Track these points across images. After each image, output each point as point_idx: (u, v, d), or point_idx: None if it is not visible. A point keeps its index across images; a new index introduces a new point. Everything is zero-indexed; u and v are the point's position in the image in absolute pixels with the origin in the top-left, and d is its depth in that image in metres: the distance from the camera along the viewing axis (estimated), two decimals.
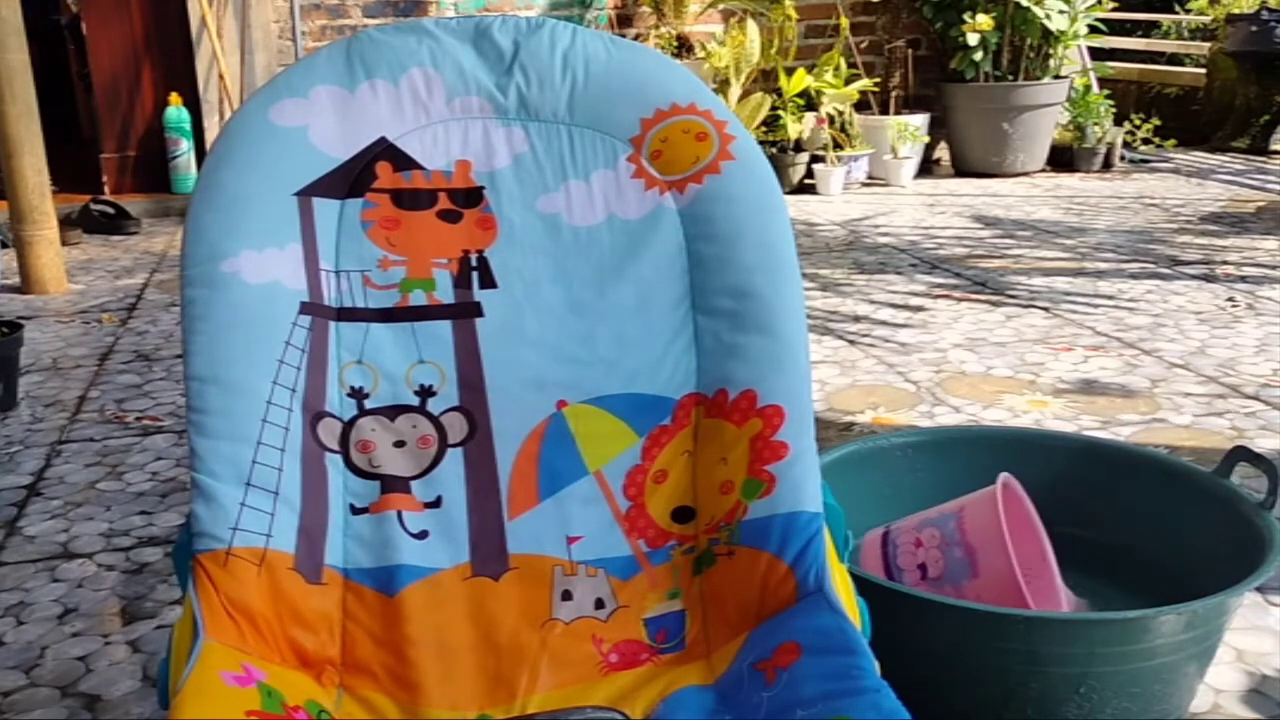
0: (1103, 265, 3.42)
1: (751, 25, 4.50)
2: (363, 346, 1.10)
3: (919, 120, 4.80)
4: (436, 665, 1.05)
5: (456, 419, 1.11)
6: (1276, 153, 5.32)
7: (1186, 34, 6.04)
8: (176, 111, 4.55)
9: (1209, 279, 3.24)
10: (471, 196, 1.12)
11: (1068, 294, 3.12)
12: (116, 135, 4.71)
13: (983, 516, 1.33)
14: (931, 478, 1.54)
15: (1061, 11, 4.70)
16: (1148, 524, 1.46)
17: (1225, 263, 3.41)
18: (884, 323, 2.91)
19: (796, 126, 4.59)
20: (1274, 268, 3.35)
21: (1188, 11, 5.97)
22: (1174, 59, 6.01)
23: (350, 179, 1.10)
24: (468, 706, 1.04)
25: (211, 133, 4.63)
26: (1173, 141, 5.39)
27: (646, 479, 1.12)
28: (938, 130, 5.02)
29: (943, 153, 5.19)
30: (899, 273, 3.40)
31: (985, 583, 1.31)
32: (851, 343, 2.75)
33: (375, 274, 1.11)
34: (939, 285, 3.24)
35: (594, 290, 1.13)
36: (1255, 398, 2.33)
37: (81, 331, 3.05)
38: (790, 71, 4.55)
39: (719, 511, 1.09)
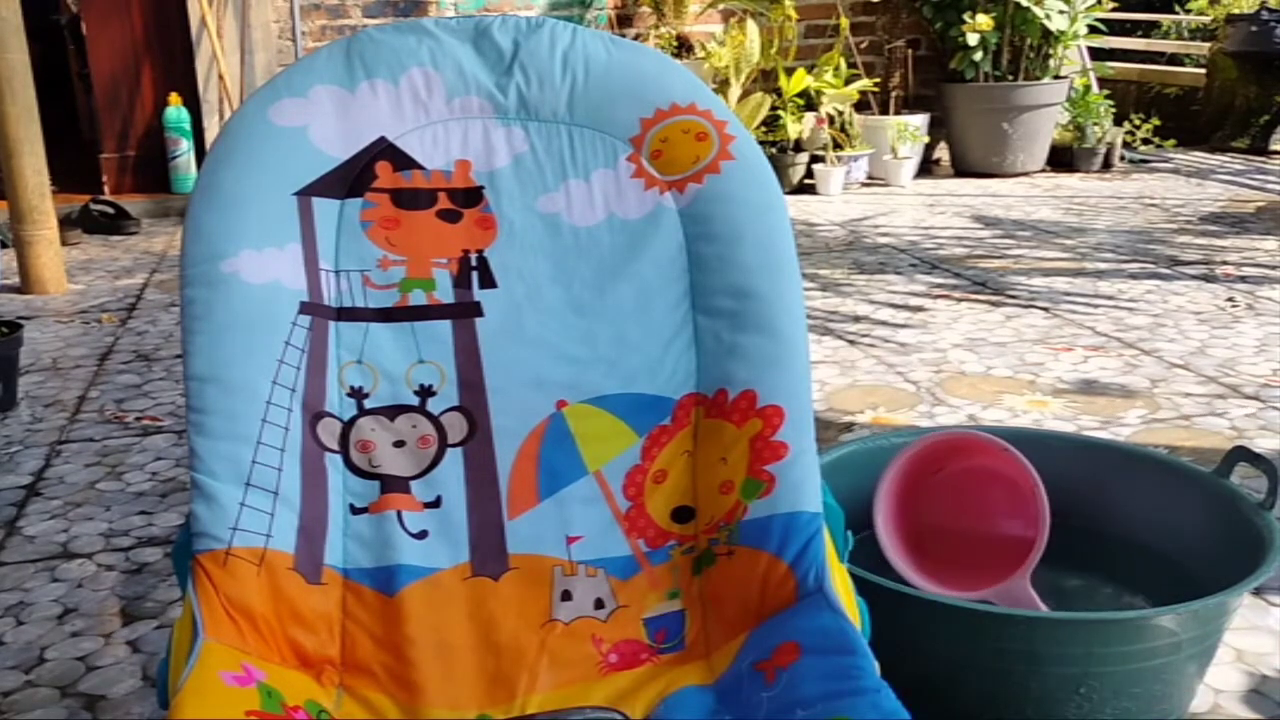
0: (1103, 265, 3.42)
1: (751, 25, 4.49)
2: (362, 346, 1.10)
3: (919, 120, 4.80)
4: (436, 665, 1.05)
5: (456, 419, 1.11)
6: (1276, 153, 5.32)
7: (1186, 34, 6.04)
8: (176, 111, 4.55)
9: (1209, 279, 3.24)
10: (471, 196, 1.12)
11: (1067, 294, 3.12)
12: (116, 135, 4.71)
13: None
14: None
15: (1061, 11, 4.70)
16: (1147, 524, 1.46)
17: (1225, 263, 3.41)
18: (884, 323, 2.91)
19: (796, 126, 4.58)
20: (1274, 268, 3.35)
21: (1188, 11, 5.97)
22: (1174, 59, 6.01)
23: (350, 179, 1.10)
24: (467, 706, 1.04)
25: (211, 133, 4.63)
26: (1172, 141, 5.39)
27: (646, 479, 1.12)
28: (938, 130, 5.02)
29: (943, 153, 5.18)
30: (899, 273, 3.40)
31: None
32: (851, 343, 2.75)
33: (375, 274, 1.11)
34: (939, 285, 3.24)
35: (594, 290, 1.13)
36: (1255, 398, 2.33)
37: (81, 331, 3.05)
38: (790, 71, 4.55)
39: (719, 511, 1.09)
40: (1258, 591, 1.58)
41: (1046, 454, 1.53)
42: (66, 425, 2.37)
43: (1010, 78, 4.81)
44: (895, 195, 4.62)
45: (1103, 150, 4.99)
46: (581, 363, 1.12)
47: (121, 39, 4.61)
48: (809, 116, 4.64)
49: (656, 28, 4.77)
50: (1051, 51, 4.82)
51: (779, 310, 1.10)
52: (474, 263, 1.12)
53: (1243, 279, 3.23)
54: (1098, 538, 1.49)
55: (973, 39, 4.66)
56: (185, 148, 4.61)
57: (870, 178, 4.81)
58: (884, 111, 4.87)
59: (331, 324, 1.09)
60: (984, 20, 4.63)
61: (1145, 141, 5.37)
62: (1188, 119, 5.57)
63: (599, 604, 1.09)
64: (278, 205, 1.07)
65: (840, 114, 4.69)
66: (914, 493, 1.48)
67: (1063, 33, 4.71)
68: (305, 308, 1.08)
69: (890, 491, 1.45)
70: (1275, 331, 2.74)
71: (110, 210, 4.36)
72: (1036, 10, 4.63)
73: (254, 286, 1.05)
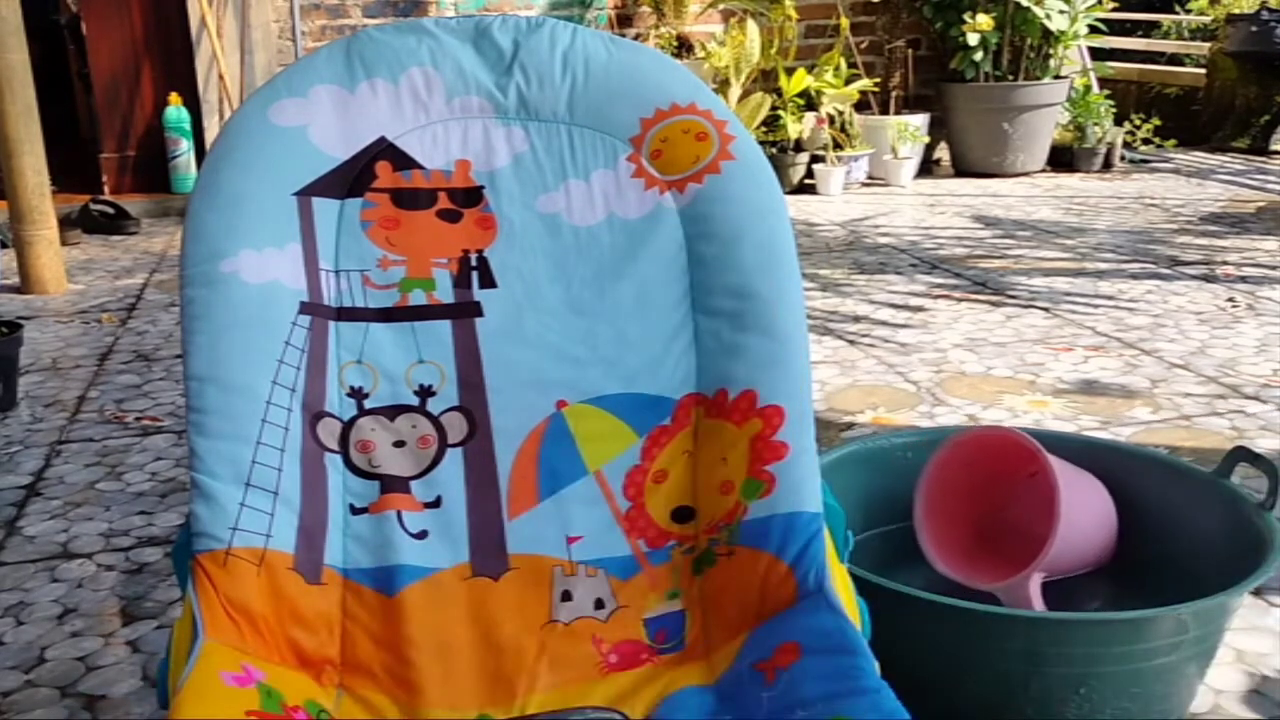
0: (1103, 265, 3.42)
1: (751, 25, 4.49)
2: (362, 346, 1.10)
3: (919, 120, 4.80)
4: (436, 665, 1.05)
5: (456, 419, 1.11)
6: (1276, 153, 5.31)
7: (1186, 34, 6.04)
8: (176, 111, 4.55)
9: (1209, 279, 3.24)
10: (471, 196, 1.12)
11: (1068, 294, 3.12)
12: (116, 135, 4.71)
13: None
14: None
15: (1061, 11, 4.69)
16: (1148, 524, 1.46)
17: (1225, 263, 3.41)
18: (884, 323, 2.91)
19: (796, 126, 4.58)
20: (1274, 268, 3.35)
21: (1188, 11, 5.97)
22: (1174, 59, 6.01)
23: (350, 178, 1.10)
24: (467, 707, 1.04)
25: (211, 133, 4.63)
26: (1173, 141, 5.39)
27: (646, 479, 1.12)
28: (938, 130, 5.02)
29: (943, 153, 5.18)
30: (899, 273, 3.40)
31: None
32: (851, 343, 2.75)
33: (375, 273, 1.11)
34: (939, 285, 3.24)
35: (594, 290, 1.13)
36: (1255, 398, 2.33)
37: (81, 331, 3.05)
38: (790, 71, 4.55)
39: (719, 511, 1.09)
40: (1258, 591, 1.58)
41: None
42: (66, 425, 2.37)
43: (1010, 78, 4.81)
44: (895, 195, 4.62)
45: (1103, 150, 4.99)
46: (581, 363, 1.12)
47: (121, 39, 4.61)
48: (809, 116, 4.63)
49: (656, 28, 4.77)
50: (1052, 51, 4.82)
51: (779, 310, 1.10)
52: (474, 262, 1.12)
53: (1243, 279, 3.23)
54: None
55: (973, 39, 4.65)
56: (185, 148, 4.61)
57: (870, 178, 4.81)
58: (884, 111, 4.87)
59: (331, 324, 1.09)
60: (984, 20, 4.63)
61: (1145, 141, 5.37)
62: (1188, 119, 5.57)
63: (599, 604, 1.09)
64: (277, 205, 1.07)
65: (840, 114, 4.68)
66: (993, 489, 1.49)
67: (1063, 33, 4.71)
68: (305, 308, 1.08)
69: (943, 482, 1.46)
70: (1275, 332, 2.74)
71: (110, 210, 4.35)
72: (1037, 10, 4.63)
73: (254, 286, 1.05)
